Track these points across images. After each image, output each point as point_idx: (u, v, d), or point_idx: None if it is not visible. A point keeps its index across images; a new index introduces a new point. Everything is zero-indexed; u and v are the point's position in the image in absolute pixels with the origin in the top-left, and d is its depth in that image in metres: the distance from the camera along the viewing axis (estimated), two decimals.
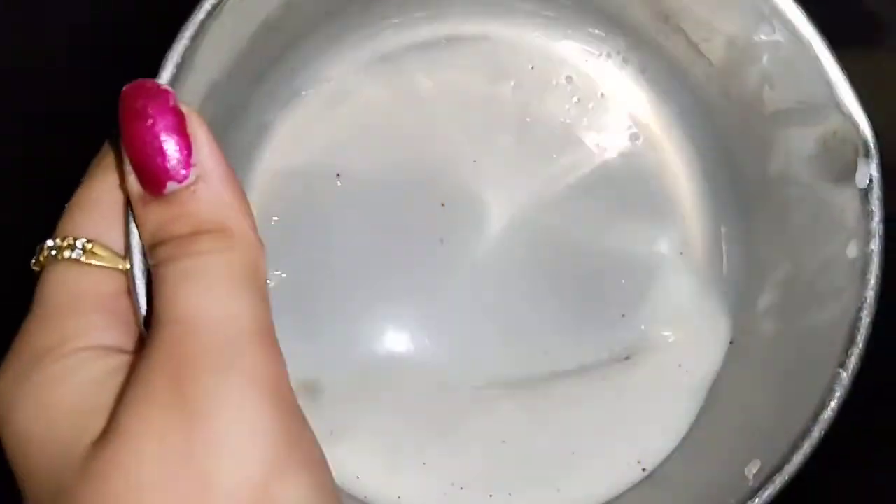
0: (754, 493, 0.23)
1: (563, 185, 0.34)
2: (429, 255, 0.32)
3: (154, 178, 0.22)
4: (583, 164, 0.34)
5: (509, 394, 0.31)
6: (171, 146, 0.21)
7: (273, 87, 0.31)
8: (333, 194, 0.32)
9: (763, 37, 0.27)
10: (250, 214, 0.22)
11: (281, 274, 0.32)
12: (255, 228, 0.22)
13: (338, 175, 0.33)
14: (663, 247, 0.33)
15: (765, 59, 0.28)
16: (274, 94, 0.32)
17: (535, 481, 0.30)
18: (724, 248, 0.32)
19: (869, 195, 0.25)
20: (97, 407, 0.20)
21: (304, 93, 0.33)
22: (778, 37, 0.27)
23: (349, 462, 0.30)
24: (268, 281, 0.22)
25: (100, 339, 0.22)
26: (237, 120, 0.31)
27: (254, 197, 0.32)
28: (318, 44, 0.32)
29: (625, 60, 0.34)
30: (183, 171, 0.21)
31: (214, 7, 0.24)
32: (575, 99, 0.34)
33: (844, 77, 0.26)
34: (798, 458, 0.24)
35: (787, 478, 0.23)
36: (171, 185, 0.21)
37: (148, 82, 0.23)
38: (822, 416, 0.24)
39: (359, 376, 0.30)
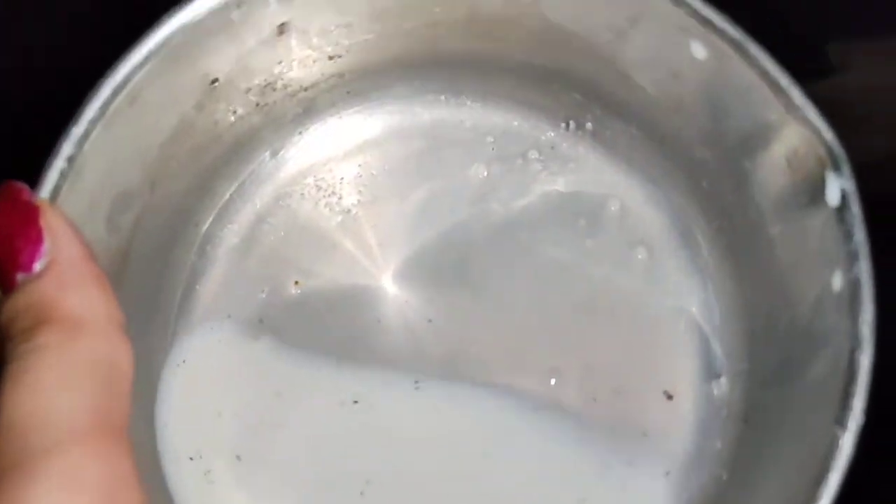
0: None
1: (549, 265, 0.31)
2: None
3: (5, 272, 0.21)
4: (565, 242, 0.31)
5: None
6: (18, 238, 0.21)
7: (216, 197, 0.31)
8: (293, 299, 0.31)
9: (699, 57, 0.24)
10: (109, 304, 0.21)
11: None
12: (115, 318, 0.21)
13: (296, 283, 0.31)
14: (663, 314, 0.29)
15: (710, 82, 0.24)
16: (222, 207, 0.31)
17: None
18: (726, 308, 0.28)
19: (844, 213, 0.21)
20: None
21: (256, 203, 0.32)
22: (713, 53, 0.23)
23: None
24: None
25: None
26: (183, 233, 0.30)
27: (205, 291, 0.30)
28: (258, 144, 0.31)
29: (587, 129, 0.31)
30: (30, 262, 0.20)
31: (97, 119, 0.24)
32: (543, 175, 0.31)
33: (792, 82, 0.22)
34: None
35: None
36: (19, 277, 0.20)
37: (7, 182, 0.22)
38: (820, 492, 0.19)
39: None
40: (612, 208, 0.31)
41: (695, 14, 0.23)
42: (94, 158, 0.24)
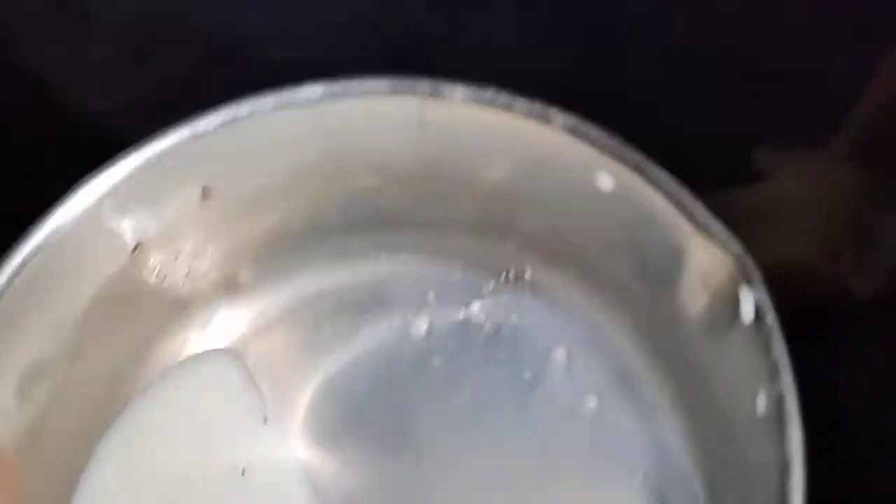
0: None
1: (495, 422, 0.29)
2: None
3: None
4: (512, 397, 0.29)
5: None
6: None
7: (144, 370, 0.30)
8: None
9: (607, 188, 0.24)
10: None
11: None
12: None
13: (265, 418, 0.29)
14: (617, 465, 0.27)
15: (623, 214, 0.24)
16: (151, 380, 0.30)
17: None
18: (678, 452, 0.26)
19: (760, 325, 0.20)
20: None
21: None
22: (619, 182, 0.23)
23: None
24: None
25: None
26: (108, 407, 0.29)
27: None
28: (189, 314, 0.30)
29: (527, 279, 0.30)
30: None
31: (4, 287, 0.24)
32: (486, 326, 0.31)
33: (695, 200, 0.21)
34: None
35: None
36: None
37: None
38: None
39: None
40: (558, 357, 0.30)
41: (594, 143, 0.23)
42: (2, 326, 0.24)
